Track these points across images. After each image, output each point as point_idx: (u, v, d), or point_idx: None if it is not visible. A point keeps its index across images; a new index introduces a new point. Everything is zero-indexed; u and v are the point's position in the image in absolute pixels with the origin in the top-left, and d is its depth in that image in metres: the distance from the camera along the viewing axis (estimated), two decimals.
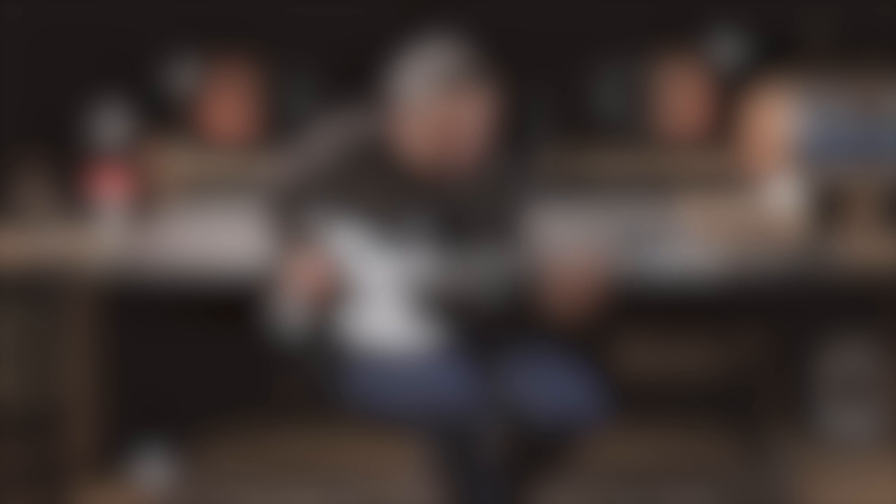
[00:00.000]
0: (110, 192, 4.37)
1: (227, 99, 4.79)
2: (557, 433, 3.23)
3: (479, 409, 3.18)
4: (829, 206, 4.23)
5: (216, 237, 4.13)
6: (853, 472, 4.10)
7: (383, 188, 3.34)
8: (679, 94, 4.77)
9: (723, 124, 4.75)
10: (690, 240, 3.95)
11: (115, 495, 4.09)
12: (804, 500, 4.00)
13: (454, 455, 3.19)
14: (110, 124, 4.57)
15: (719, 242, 3.96)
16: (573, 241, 3.23)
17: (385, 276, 3.35)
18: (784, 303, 4.34)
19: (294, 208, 3.38)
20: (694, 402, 4.44)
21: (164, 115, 4.74)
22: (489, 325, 3.35)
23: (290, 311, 3.38)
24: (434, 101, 3.26)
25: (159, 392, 4.36)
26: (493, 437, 3.21)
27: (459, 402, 3.16)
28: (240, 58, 4.79)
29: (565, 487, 3.79)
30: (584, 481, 3.97)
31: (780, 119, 4.34)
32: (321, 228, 3.36)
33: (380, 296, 3.35)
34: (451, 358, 3.29)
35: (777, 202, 4.29)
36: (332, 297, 3.33)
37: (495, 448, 3.22)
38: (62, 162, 4.56)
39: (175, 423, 4.30)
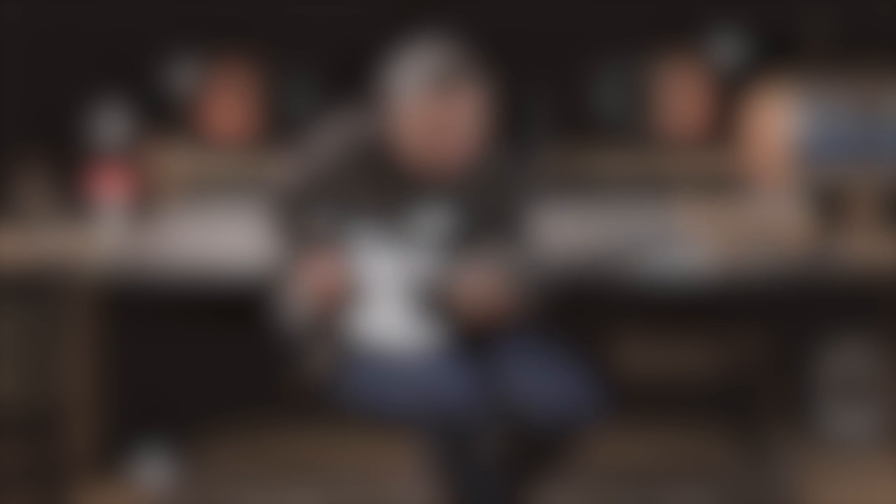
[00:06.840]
0: (110, 192, 4.37)
1: (227, 99, 4.79)
2: (555, 431, 3.23)
3: (478, 407, 3.18)
4: (829, 206, 4.23)
5: (216, 237, 4.13)
6: (853, 472, 4.10)
7: (385, 187, 3.34)
8: (679, 94, 4.77)
9: (723, 124, 4.74)
10: (690, 240, 3.95)
11: (115, 495, 4.09)
12: (804, 500, 4.00)
13: (454, 454, 3.19)
14: (110, 124, 4.57)
15: (719, 242, 3.96)
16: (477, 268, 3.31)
17: (388, 275, 3.35)
18: (784, 303, 4.34)
19: (301, 211, 3.38)
20: (694, 402, 4.43)
21: (164, 115, 4.74)
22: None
23: (297, 313, 3.37)
24: (424, 99, 3.26)
25: (159, 392, 4.36)
26: (492, 436, 3.21)
27: (459, 401, 3.16)
28: (240, 58, 4.79)
29: (565, 487, 3.79)
30: (584, 481, 3.97)
31: (780, 119, 4.34)
32: (328, 229, 3.36)
33: (383, 294, 3.35)
34: (450, 357, 3.29)
35: (776, 202, 4.29)
36: (342, 303, 3.33)
37: (494, 447, 3.22)
38: (62, 162, 4.55)
39: (175, 423, 4.30)
